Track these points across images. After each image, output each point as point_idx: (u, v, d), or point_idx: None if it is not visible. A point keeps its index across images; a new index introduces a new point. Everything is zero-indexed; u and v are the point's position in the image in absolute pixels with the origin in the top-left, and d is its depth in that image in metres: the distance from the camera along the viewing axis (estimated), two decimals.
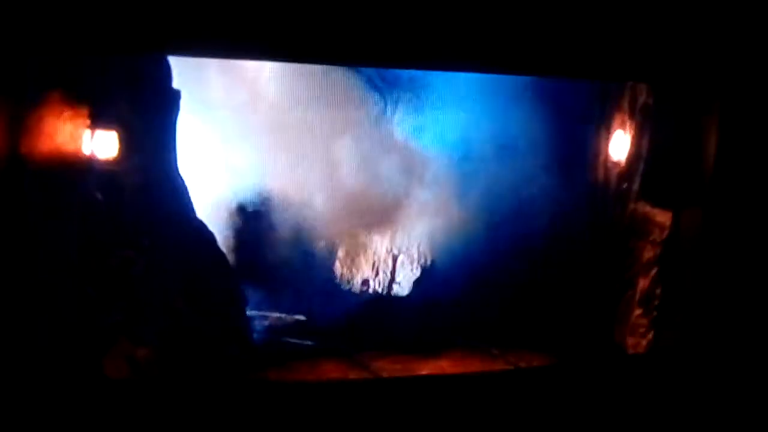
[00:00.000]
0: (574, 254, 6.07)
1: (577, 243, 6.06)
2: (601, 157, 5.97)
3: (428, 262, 6.57)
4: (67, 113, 3.72)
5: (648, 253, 5.45)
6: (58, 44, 3.91)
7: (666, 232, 5.33)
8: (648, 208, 5.52)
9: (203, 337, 4.76)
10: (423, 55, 4.93)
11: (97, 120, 3.86)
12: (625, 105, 5.71)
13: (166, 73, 4.56)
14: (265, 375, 4.87)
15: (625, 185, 5.72)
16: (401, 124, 6.49)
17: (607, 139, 5.87)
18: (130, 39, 4.08)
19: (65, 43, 3.91)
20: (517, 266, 6.20)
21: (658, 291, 5.33)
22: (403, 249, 6.51)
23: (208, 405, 4.46)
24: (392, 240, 6.46)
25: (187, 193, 4.84)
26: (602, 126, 5.93)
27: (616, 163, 5.80)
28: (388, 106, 6.50)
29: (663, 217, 5.40)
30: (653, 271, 5.39)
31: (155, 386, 4.34)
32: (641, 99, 5.56)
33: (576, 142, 6.10)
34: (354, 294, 6.34)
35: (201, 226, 4.93)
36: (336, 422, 4.63)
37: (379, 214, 6.26)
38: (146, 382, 4.33)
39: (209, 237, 4.95)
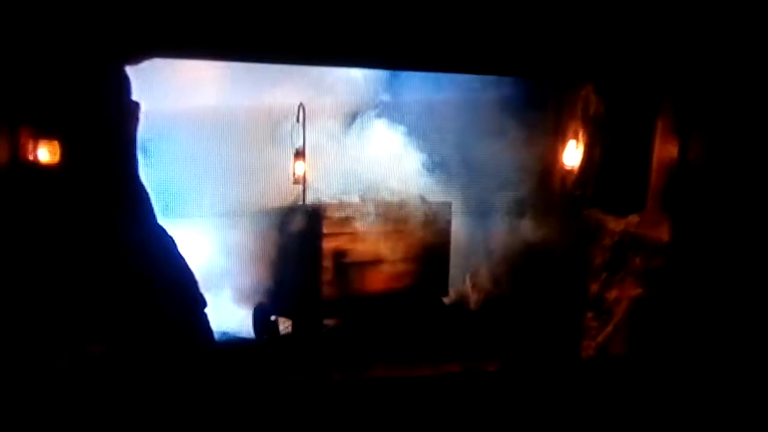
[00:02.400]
0: (533, 261, 6.25)
1: (535, 250, 6.23)
2: (557, 166, 6.14)
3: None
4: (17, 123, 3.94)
5: (598, 258, 5.62)
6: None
7: (616, 238, 5.52)
8: (600, 215, 5.71)
9: (163, 336, 4.95)
10: (375, 55, 5.30)
11: (49, 130, 4.06)
12: (579, 114, 5.90)
13: (125, 85, 4.77)
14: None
15: (578, 192, 5.90)
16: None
17: (563, 147, 6.05)
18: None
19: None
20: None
21: (607, 294, 5.50)
22: None
23: (167, 402, 4.66)
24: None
25: (148, 199, 5.02)
26: (558, 135, 6.10)
27: (570, 171, 5.98)
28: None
29: (614, 224, 5.59)
30: (603, 276, 5.56)
31: (111, 384, 4.53)
32: (593, 108, 5.75)
33: (533, 152, 6.25)
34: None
35: (161, 231, 5.12)
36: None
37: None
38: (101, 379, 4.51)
39: (169, 241, 5.14)
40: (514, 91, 6.20)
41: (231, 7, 4.76)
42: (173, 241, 5.18)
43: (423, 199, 6.49)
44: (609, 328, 5.39)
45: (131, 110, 4.83)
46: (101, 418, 4.33)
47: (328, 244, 6.14)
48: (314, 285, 6.15)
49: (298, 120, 6.27)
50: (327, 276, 6.13)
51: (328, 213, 6.18)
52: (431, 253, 6.48)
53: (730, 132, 5.28)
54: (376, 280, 6.32)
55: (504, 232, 6.48)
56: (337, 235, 6.18)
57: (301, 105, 6.28)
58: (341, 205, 6.30)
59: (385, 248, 6.31)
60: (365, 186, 6.54)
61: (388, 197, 6.45)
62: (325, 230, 6.14)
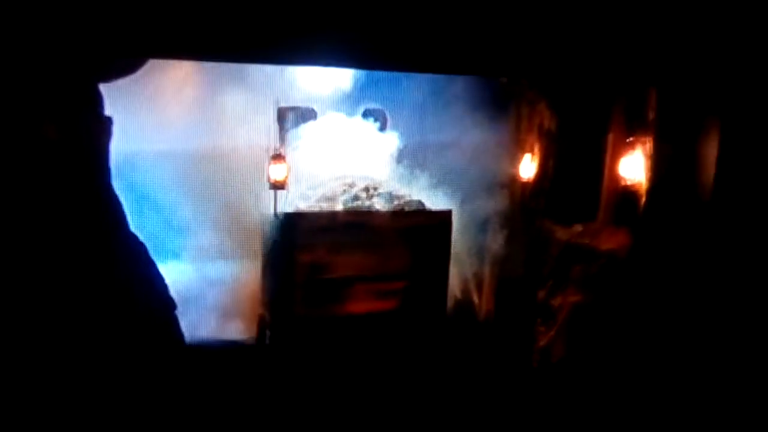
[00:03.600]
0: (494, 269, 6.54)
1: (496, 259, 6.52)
2: (516, 178, 6.43)
3: None
4: None
5: (547, 267, 5.92)
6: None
7: (561, 247, 5.80)
8: (551, 225, 6.01)
9: (137, 337, 5.31)
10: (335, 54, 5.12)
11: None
12: (534, 129, 6.20)
13: (98, 100, 5.13)
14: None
15: (533, 203, 6.21)
16: None
17: (520, 161, 6.35)
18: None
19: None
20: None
21: (552, 301, 5.79)
22: None
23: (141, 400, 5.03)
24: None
25: (121, 208, 5.37)
26: (516, 149, 6.40)
27: (527, 183, 6.28)
28: None
29: (561, 233, 5.89)
30: (549, 283, 5.85)
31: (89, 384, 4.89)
32: (546, 122, 6.05)
33: (493, 165, 6.52)
34: None
35: (134, 238, 5.47)
36: None
37: None
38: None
39: (140, 246, 5.50)
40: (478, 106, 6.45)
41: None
42: (145, 247, 5.55)
43: (420, 205, 6.26)
44: (552, 333, 5.68)
45: (103, 125, 5.18)
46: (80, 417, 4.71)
47: (303, 257, 5.91)
48: (287, 300, 6.01)
49: (280, 120, 6.19)
50: (300, 292, 5.96)
51: (304, 223, 5.95)
52: (425, 269, 6.16)
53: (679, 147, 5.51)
54: (356, 298, 6.09)
55: (469, 242, 6.75)
56: (313, 246, 5.94)
57: (277, 104, 6.15)
58: (320, 214, 6.07)
59: (369, 263, 6.06)
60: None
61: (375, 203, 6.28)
62: (299, 241, 5.93)
